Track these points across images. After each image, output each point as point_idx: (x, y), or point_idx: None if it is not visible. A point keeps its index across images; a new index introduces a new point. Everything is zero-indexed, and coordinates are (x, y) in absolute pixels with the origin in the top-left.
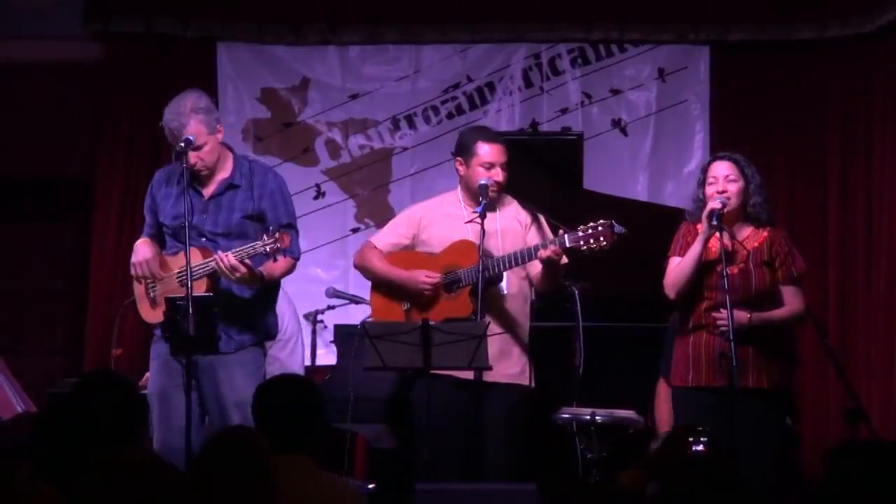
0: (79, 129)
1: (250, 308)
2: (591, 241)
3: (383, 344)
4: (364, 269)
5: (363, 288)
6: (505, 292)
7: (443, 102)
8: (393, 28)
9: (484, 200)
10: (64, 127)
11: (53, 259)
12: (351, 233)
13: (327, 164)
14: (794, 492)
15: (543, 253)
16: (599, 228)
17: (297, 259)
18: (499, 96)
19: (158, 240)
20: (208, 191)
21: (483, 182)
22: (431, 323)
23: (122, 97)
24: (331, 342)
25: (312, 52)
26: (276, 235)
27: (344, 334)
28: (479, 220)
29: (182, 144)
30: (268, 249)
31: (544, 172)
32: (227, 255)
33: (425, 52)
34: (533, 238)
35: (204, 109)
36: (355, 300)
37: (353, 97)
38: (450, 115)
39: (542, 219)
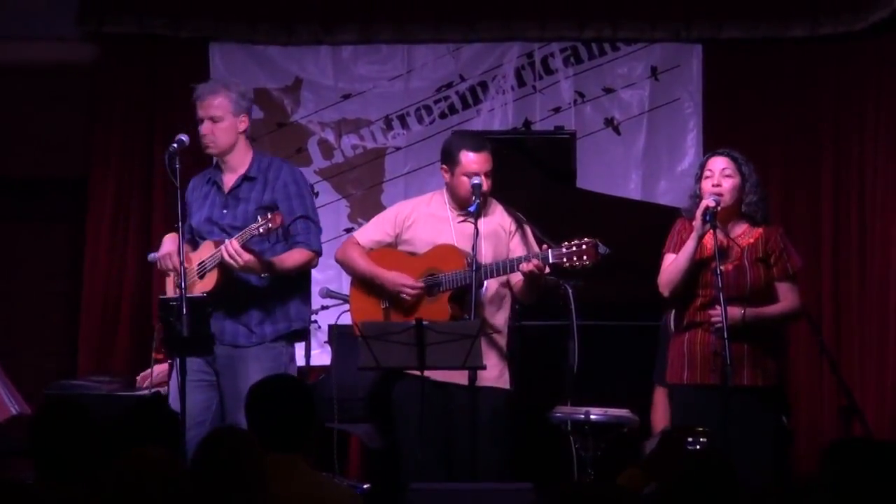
0: (72, 129)
1: (268, 299)
2: (575, 258)
3: (377, 344)
4: (345, 265)
5: None
6: (484, 298)
7: (436, 102)
8: (385, 27)
9: (477, 200)
10: (57, 127)
11: (47, 260)
12: (344, 233)
13: (320, 164)
14: (788, 489)
15: (525, 266)
16: (584, 247)
17: (315, 252)
18: (491, 95)
19: (193, 243)
20: (227, 186)
21: (476, 182)
22: (425, 323)
23: (115, 98)
24: (325, 342)
25: (305, 52)
26: (269, 216)
27: (338, 334)
28: (471, 220)
29: (175, 145)
30: (261, 231)
31: (537, 171)
32: (231, 242)
33: (418, 52)
34: (516, 246)
35: (238, 92)
36: (349, 300)
37: (346, 97)
38: (443, 115)
39: (528, 227)
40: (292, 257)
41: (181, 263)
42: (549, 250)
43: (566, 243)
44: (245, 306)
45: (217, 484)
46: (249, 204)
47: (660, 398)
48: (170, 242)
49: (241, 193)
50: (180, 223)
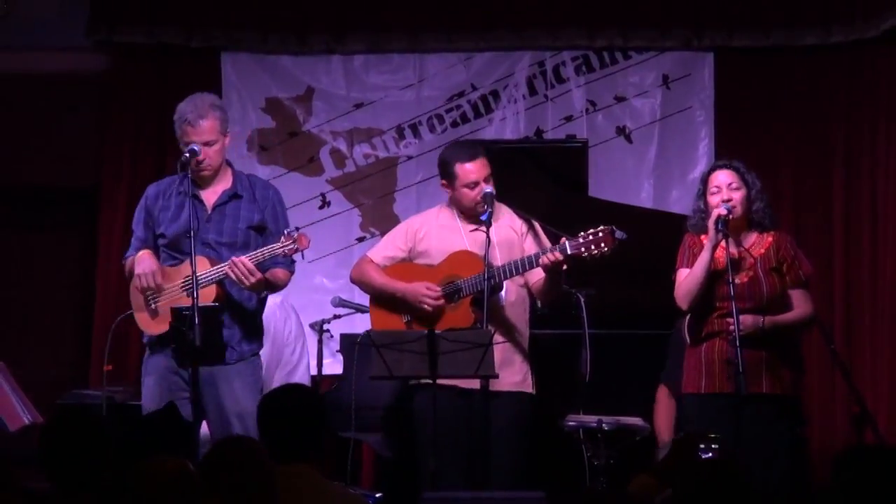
0: (84, 139)
1: (252, 318)
2: (592, 247)
3: (389, 353)
4: (362, 284)
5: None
6: (504, 301)
7: (447, 111)
8: (397, 37)
9: (489, 209)
10: (69, 137)
11: (59, 269)
12: (356, 242)
13: (332, 173)
14: (801, 496)
15: (545, 259)
16: (600, 234)
17: (292, 273)
18: (503, 104)
19: (157, 254)
20: (210, 201)
21: (488, 191)
22: (437, 332)
23: (126, 107)
24: (337, 351)
25: (317, 61)
26: (295, 236)
27: (350, 343)
28: (483, 228)
29: (187, 154)
30: (286, 251)
31: (549, 180)
32: (243, 260)
33: (429, 61)
34: (530, 245)
35: (221, 109)
36: (361, 309)
37: (358, 106)
38: (454, 124)
39: (538, 226)
40: (279, 277)
41: (193, 272)
42: (567, 241)
43: (583, 233)
44: (230, 324)
45: (226, 494)
46: (238, 221)
47: (663, 397)
48: (150, 260)
49: (227, 210)
50: (192, 234)
